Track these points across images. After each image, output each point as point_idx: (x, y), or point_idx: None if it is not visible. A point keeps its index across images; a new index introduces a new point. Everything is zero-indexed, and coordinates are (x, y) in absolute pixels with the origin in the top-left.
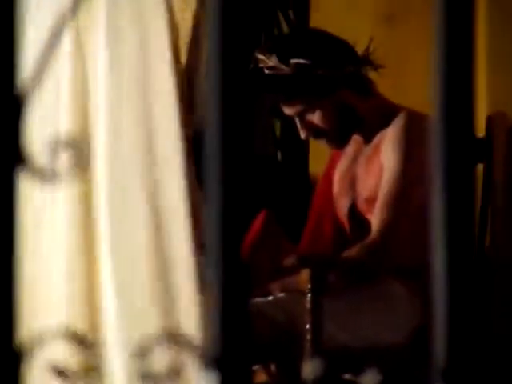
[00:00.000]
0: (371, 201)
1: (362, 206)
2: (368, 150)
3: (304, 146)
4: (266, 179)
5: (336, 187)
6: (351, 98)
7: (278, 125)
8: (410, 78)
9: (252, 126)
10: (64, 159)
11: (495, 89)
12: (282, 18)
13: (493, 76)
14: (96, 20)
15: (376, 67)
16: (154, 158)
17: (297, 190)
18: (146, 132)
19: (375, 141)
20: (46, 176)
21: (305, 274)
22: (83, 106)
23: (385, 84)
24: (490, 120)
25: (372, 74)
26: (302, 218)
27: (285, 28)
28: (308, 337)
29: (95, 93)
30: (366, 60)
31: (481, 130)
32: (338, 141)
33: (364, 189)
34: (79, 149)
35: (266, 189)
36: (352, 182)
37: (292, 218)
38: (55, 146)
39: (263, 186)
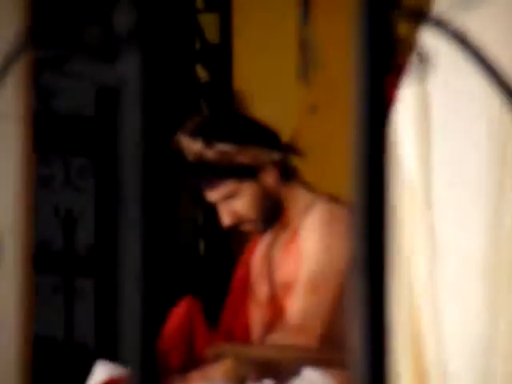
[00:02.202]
0: (289, 286)
1: (280, 291)
2: (286, 236)
3: (227, 233)
4: (189, 267)
5: (255, 272)
6: (274, 185)
7: (200, 213)
8: (333, 165)
9: (174, 216)
10: None
11: None
12: (204, 104)
13: None
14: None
15: (299, 154)
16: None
17: (220, 277)
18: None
19: (294, 227)
20: None
21: (227, 364)
22: None
23: (308, 171)
24: None
25: (295, 162)
26: (222, 304)
27: (207, 113)
28: None
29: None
30: (290, 147)
31: None
32: (260, 227)
33: (282, 274)
34: None
35: (188, 277)
36: (270, 268)
37: (214, 305)
38: None
39: (186, 274)
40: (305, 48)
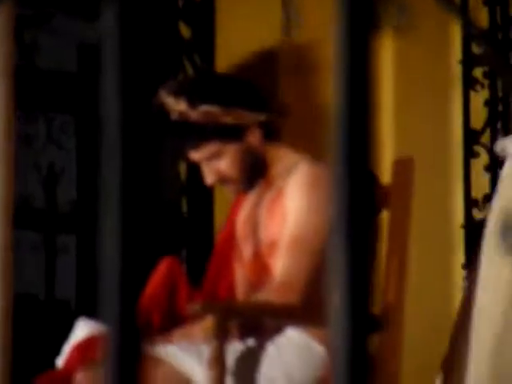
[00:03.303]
0: (274, 245)
1: (264, 250)
2: (270, 195)
3: (210, 191)
4: (171, 225)
5: (239, 232)
6: (259, 145)
7: (183, 170)
8: (314, 124)
9: (154, 173)
10: None
11: (403, 133)
12: (187, 62)
13: (400, 120)
14: None
15: (284, 115)
16: None
17: (202, 235)
18: None
19: (278, 186)
20: None
21: (209, 321)
22: None
23: (292, 132)
24: (396, 165)
25: (279, 122)
26: (205, 264)
27: (190, 71)
28: (213, 382)
29: None
30: (274, 108)
31: (387, 176)
32: (244, 186)
33: (267, 233)
34: None
35: (170, 235)
36: (255, 227)
37: (196, 264)
38: None
39: (167, 232)
40: (288, 7)
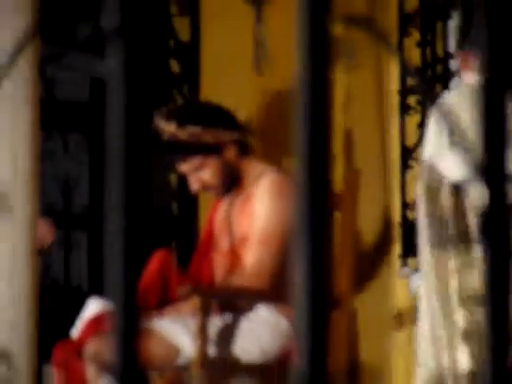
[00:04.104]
0: (244, 239)
1: (237, 242)
2: (242, 198)
3: (195, 198)
4: (164, 223)
5: (217, 228)
6: (234, 158)
7: (174, 180)
8: (281, 142)
9: (149, 182)
10: None
11: (353, 149)
12: (177, 92)
13: (350, 139)
14: None
15: (253, 133)
16: None
17: (189, 231)
18: None
19: (248, 191)
20: None
21: (196, 300)
22: None
23: (261, 147)
24: (346, 176)
25: (250, 139)
26: (191, 254)
27: (179, 100)
28: (198, 349)
29: None
30: (247, 128)
31: (339, 186)
32: (222, 192)
33: (239, 229)
34: None
35: (163, 231)
36: (230, 224)
37: (184, 254)
38: None
39: (162, 230)
40: (258, 44)
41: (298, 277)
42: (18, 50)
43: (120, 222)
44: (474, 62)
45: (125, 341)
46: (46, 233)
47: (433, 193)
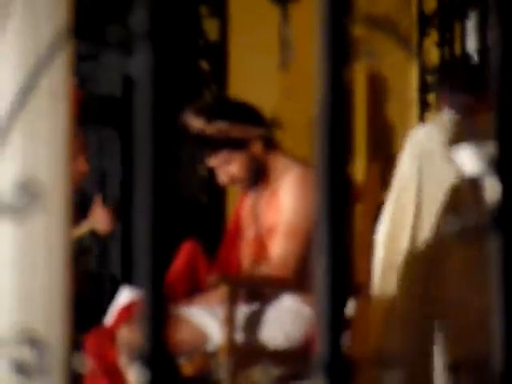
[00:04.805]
0: (271, 230)
1: (263, 234)
2: (268, 192)
3: (223, 190)
4: (194, 215)
5: (244, 220)
6: (260, 153)
7: (204, 173)
8: (304, 136)
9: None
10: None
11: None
12: (206, 90)
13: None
14: None
15: (279, 129)
16: None
17: (217, 222)
18: None
19: (275, 185)
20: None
21: (222, 289)
22: None
23: (286, 141)
24: (366, 169)
25: (276, 134)
26: (219, 244)
27: (208, 97)
28: (226, 336)
29: None
30: (272, 123)
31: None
32: (249, 185)
33: (265, 221)
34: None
35: (192, 223)
36: (256, 217)
37: (212, 244)
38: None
39: (191, 220)
40: (284, 43)
41: (319, 267)
42: (54, 49)
43: (149, 214)
44: (448, 101)
45: (153, 328)
46: (107, 220)
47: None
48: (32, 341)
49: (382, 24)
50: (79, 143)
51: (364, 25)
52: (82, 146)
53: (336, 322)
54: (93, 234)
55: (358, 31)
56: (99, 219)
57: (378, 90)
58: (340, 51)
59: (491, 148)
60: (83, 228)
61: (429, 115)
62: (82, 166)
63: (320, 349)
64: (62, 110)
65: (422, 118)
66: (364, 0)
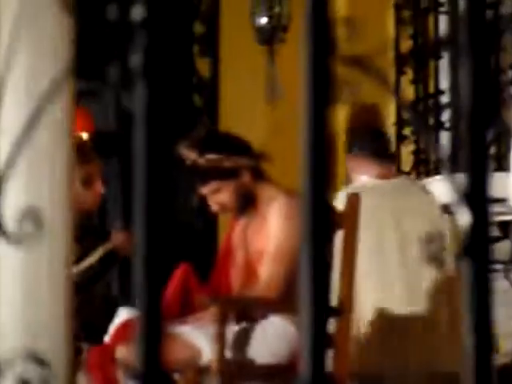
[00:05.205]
0: (259, 255)
1: (252, 258)
2: (257, 219)
3: (215, 217)
4: (187, 240)
5: (235, 245)
6: (249, 183)
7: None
8: (290, 168)
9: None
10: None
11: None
12: (199, 123)
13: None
14: None
15: (266, 161)
16: None
17: (209, 247)
18: None
19: (262, 213)
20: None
21: (214, 310)
22: None
23: (272, 173)
24: (347, 199)
25: (264, 166)
26: (211, 268)
27: (200, 130)
28: (216, 353)
29: None
30: (260, 156)
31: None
32: (239, 212)
33: (254, 247)
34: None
35: (186, 247)
36: (246, 242)
37: (204, 268)
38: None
39: (184, 244)
40: (270, 82)
41: (303, 288)
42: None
43: (146, 239)
44: (364, 164)
45: (149, 345)
46: (126, 244)
47: None
48: (36, 359)
49: (363, 63)
50: (96, 169)
51: (346, 64)
52: (98, 171)
53: (318, 341)
54: (112, 256)
55: (341, 70)
56: (119, 242)
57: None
58: (323, 89)
59: (462, 180)
60: (103, 250)
61: (405, 147)
62: (99, 188)
63: (302, 367)
64: (62, 144)
65: (398, 150)
66: (346, 40)
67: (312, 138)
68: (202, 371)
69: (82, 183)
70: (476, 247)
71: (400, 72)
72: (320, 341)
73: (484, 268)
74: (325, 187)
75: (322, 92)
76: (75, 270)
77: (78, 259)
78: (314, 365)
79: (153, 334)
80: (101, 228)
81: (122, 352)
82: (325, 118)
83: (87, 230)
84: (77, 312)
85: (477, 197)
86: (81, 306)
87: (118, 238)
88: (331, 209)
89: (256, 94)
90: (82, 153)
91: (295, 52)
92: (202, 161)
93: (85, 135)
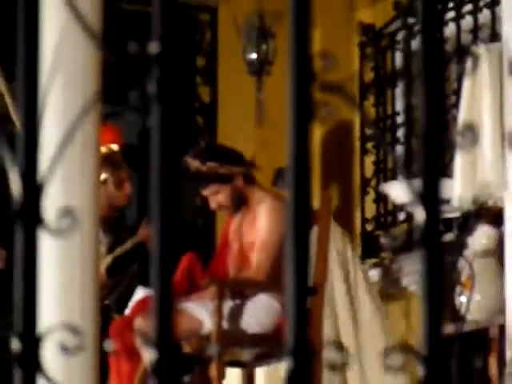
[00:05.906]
0: (251, 245)
1: (245, 248)
2: (249, 216)
3: (214, 214)
4: (191, 233)
5: (231, 238)
6: (242, 187)
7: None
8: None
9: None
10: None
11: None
12: (200, 139)
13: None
14: None
15: (256, 168)
16: None
17: (209, 240)
18: None
19: (253, 211)
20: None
21: (213, 289)
22: None
23: (261, 179)
24: (321, 197)
25: (254, 172)
26: (211, 257)
27: (201, 144)
28: (215, 324)
29: None
30: (251, 164)
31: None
32: (233, 211)
33: (247, 239)
34: None
35: (190, 239)
36: (240, 235)
37: (206, 257)
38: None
39: (190, 238)
40: (259, 105)
41: (288, 272)
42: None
43: (160, 233)
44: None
45: (161, 317)
46: (149, 237)
47: None
48: (71, 329)
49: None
50: (126, 174)
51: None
52: (127, 175)
53: (300, 315)
54: (140, 247)
55: (319, 95)
56: (146, 236)
57: (332, 141)
58: (305, 110)
59: (418, 183)
60: (131, 242)
61: (367, 158)
62: (128, 189)
63: (288, 336)
64: (91, 155)
65: (361, 160)
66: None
67: (295, 149)
68: (203, 339)
69: (115, 186)
70: (429, 238)
71: (363, 98)
72: (302, 315)
73: (436, 255)
74: (305, 190)
75: (304, 112)
76: (109, 257)
77: (112, 248)
78: (297, 335)
79: (165, 308)
80: (133, 224)
81: (140, 323)
82: (306, 134)
83: (120, 223)
84: (111, 291)
85: (430, 197)
86: (113, 286)
87: (143, 232)
88: (310, 208)
89: (247, 116)
90: (113, 161)
91: (279, 82)
92: (203, 168)
93: (115, 147)
